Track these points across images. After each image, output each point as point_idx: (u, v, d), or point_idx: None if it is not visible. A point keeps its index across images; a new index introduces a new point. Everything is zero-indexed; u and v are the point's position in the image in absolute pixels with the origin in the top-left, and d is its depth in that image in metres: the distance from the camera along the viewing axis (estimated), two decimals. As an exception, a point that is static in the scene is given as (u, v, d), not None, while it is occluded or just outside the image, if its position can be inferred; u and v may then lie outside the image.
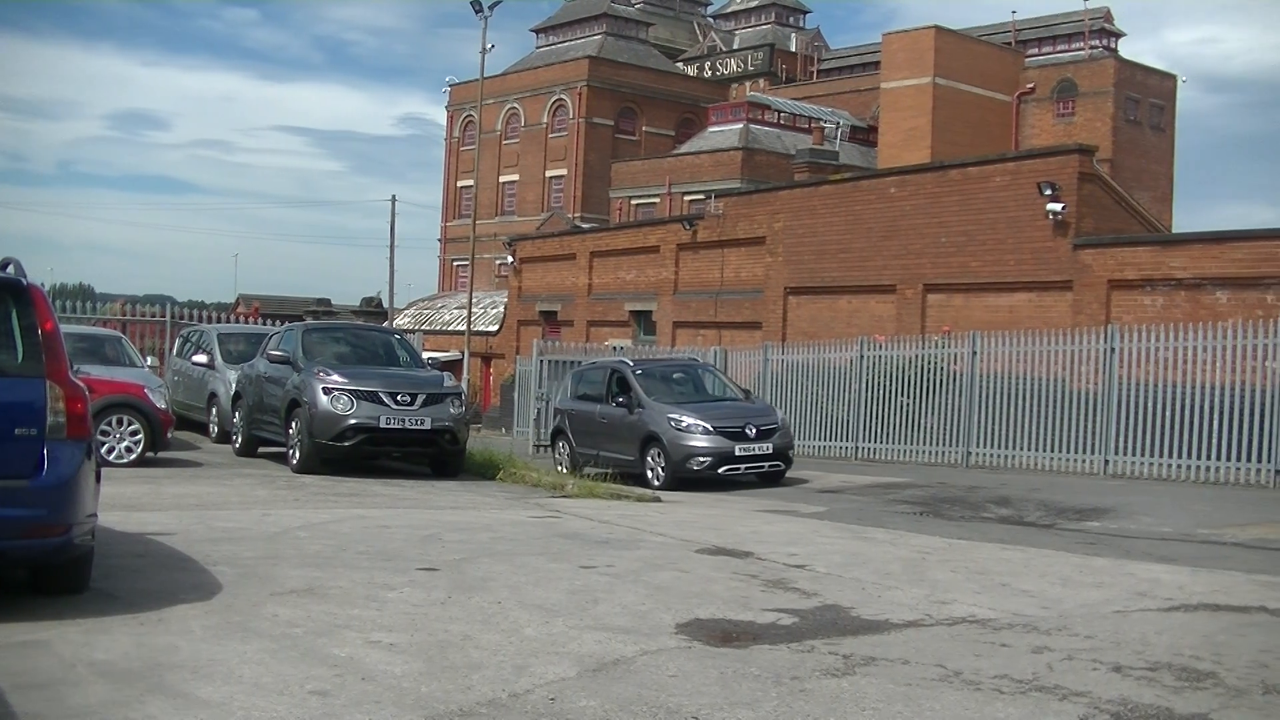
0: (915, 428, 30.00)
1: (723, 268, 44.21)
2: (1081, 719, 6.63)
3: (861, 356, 31.60)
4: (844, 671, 7.60)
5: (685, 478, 23.09)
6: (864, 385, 31.38)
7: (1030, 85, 69.54)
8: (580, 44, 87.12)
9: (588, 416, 26.19)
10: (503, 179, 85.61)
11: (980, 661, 7.87)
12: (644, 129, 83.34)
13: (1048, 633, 8.82)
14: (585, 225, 64.94)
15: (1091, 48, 72.88)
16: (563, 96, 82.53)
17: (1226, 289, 28.99)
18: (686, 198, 68.67)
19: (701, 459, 23.08)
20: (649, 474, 23.59)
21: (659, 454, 23.55)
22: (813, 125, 70.16)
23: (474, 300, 59.22)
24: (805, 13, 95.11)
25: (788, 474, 24.17)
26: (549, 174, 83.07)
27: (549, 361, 34.48)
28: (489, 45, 56.43)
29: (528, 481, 21.48)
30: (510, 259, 57.07)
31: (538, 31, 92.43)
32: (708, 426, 23.35)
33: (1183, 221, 74.27)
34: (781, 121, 74.34)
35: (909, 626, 9.03)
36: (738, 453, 23.22)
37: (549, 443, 28.95)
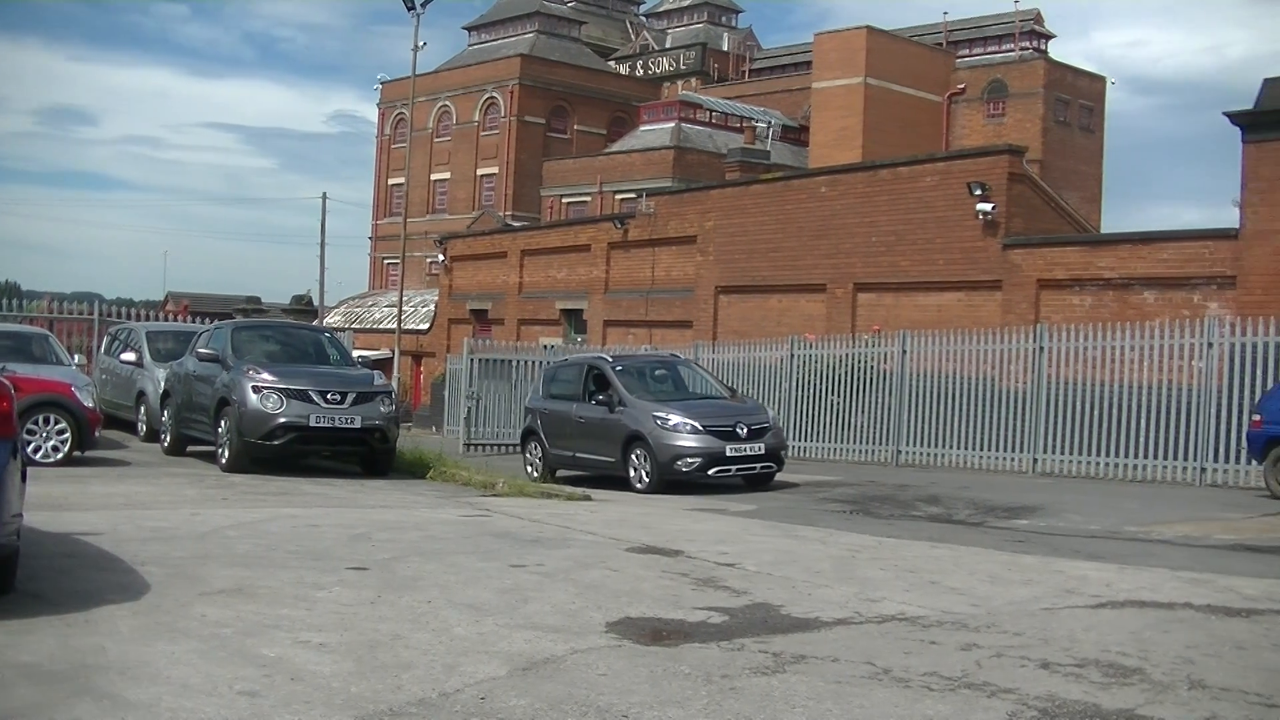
0: (845, 426, 30.12)
1: (654, 267, 44.23)
2: (1010, 715, 6.66)
3: (792, 355, 31.69)
4: (774, 669, 7.61)
5: (673, 480, 21.91)
6: (794, 384, 31.47)
7: (961, 86, 69.86)
8: (512, 42, 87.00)
9: (562, 416, 24.70)
10: (434, 177, 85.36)
11: (910, 659, 7.89)
12: (576, 127, 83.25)
13: (976, 630, 8.86)
14: (516, 224, 64.81)
15: (1022, 49, 73.28)
16: (495, 95, 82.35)
17: (1154, 289, 29.21)
18: (618, 196, 68.68)
19: (691, 460, 21.83)
20: (632, 476, 22.46)
21: (644, 455, 22.29)
22: (744, 125, 70.23)
23: (405, 298, 59.05)
24: (737, 12, 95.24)
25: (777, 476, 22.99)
26: (480, 172, 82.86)
27: (480, 360, 34.40)
28: (421, 43, 56.18)
29: (458, 480, 21.42)
30: (441, 257, 56.93)
31: (470, 29, 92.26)
32: (697, 425, 22.08)
33: (1111, 222, 74.75)
34: (713, 121, 74.41)
35: (839, 624, 9.05)
36: (729, 453, 21.96)
37: (518, 444, 27.31)
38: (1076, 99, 70.86)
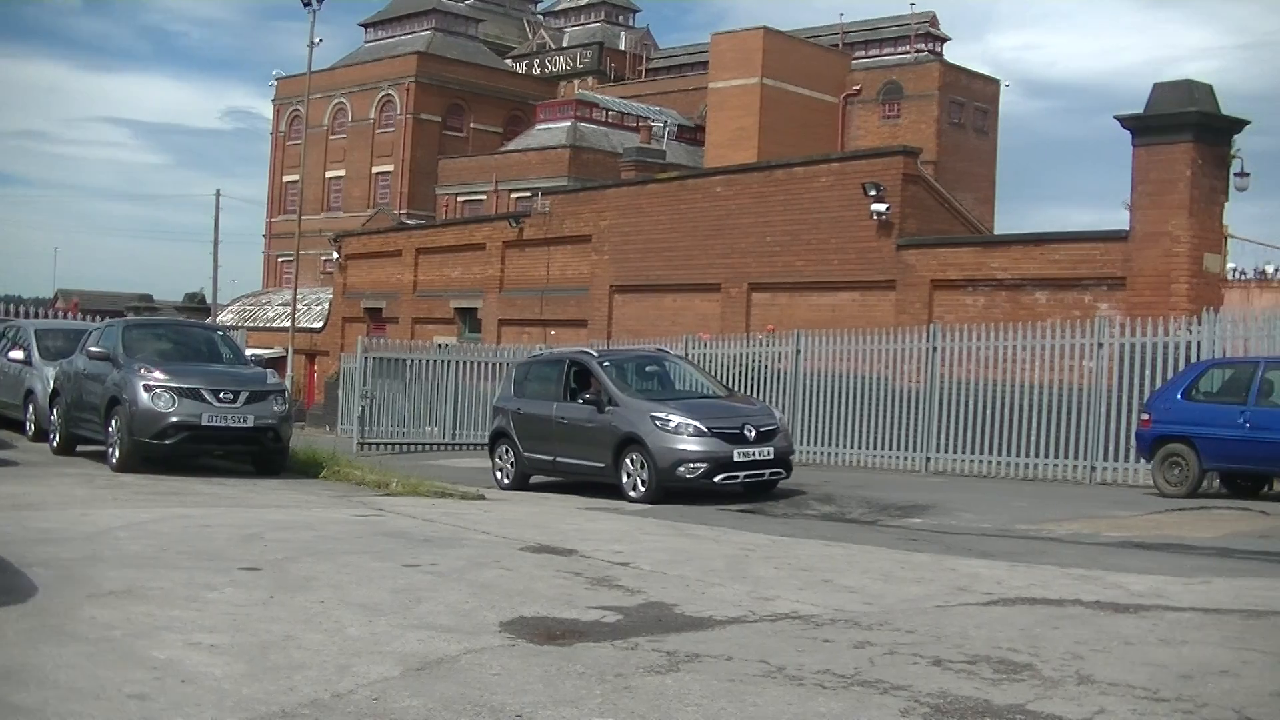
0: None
1: (549, 265, 44.17)
2: (902, 712, 6.69)
3: (686, 355, 31.68)
4: (668, 668, 7.61)
5: (673, 488, 19.99)
6: (689, 383, 31.47)
7: (857, 87, 70.32)
8: (409, 39, 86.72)
9: (540, 417, 22.68)
10: (329, 174, 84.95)
11: (803, 657, 7.91)
12: (472, 126, 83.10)
13: (869, 628, 8.90)
14: (412, 222, 64.56)
15: (917, 51, 73.92)
16: (391, 92, 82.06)
17: (1045, 289, 29.47)
18: (514, 195, 68.62)
19: (695, 465, 19.91)
20: (625, 483, 20.53)
21: (640, 460, 20.30)
22: (640, 124, 70.35)
23: (299, 297, 58.71)
24: (635, 11, 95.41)
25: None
26: (376, 170, 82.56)
27: (374, 359, 34.26)
28: (317, 39, 55.96)
29: (352, 480, 21.23)
30: (336, 255, 56.61)
31: (367, 26, 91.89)
32: (701, 427, 20.09)
33: (1004, 223, 75.55)
34: (610, 120, 74.48)
35: (733, 623, 9.07)
36: (737, 458, 20.00)
37: (486, 447, 25.15)
38: (971, 101, 71.52)
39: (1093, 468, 24.32)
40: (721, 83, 67.08)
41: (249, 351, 28.37)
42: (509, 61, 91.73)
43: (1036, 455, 25.26)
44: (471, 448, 34.53)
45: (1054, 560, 12.79)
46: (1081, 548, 14.35)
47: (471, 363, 36.28)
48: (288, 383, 36.93)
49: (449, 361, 35.80)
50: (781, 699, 6.95)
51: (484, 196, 72.06)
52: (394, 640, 8.29)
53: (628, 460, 20.60)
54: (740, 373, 30.40)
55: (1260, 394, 20.31)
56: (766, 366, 30.13)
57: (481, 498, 18.96)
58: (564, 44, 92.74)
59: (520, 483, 23.06)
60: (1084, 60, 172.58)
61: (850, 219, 34.04)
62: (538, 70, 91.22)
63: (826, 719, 6.59)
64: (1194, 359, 23.24)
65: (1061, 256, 29.33)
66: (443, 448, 34.45)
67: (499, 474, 23.58)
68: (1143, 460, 22.49)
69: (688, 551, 13.12)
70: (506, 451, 23.45)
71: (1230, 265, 27.43)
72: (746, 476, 20.32)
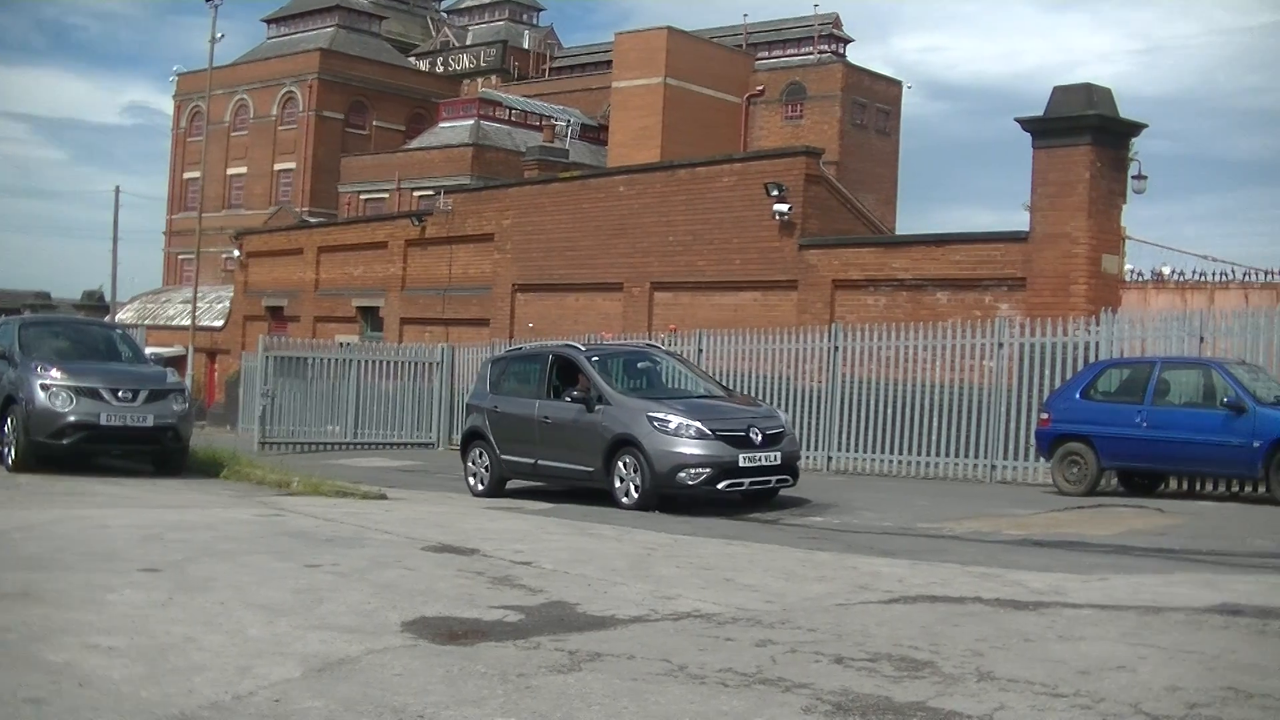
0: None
1: (451, 264, 44.01)
2: (804, 710, 6.70)
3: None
4: (570, 668, 7.60)
5: (672, 495, 18.75)
6: (592, 382, 31.45)
7: (760, 88, 70.55)
8: (312, 36, 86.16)
9: (521, 416, 21.15)
10: (230, 172, 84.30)
11: (705, 656, 7.92)
12: (375, 123, 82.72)
13: (771, 626, 8.92)
14: (314, 220, 64.20)
15: (820, 52, 74.19)
16: (293, 89, 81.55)
17: (947, 290, 29.64)
18: (416, 194, 68.38)
19: (697, 471, 18.41)
20: (618, 489, 19.08)
21: (635, 464, 18.81)
22: (544, 123, 70.31)
23: (199, 295, 58.33)
24: (539, 10, 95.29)
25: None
26: (278, 167, 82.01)
27: (275, 358, 34.03)
28: (219, 34, 55.62)
29: (252, 479, 21.08)
30: (237, 253, 56.16)
31: (269, 22, 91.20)
32: (703, 429, 18.61)
33: (906, 224, 76.08)
34: (513, 119, 74.35)
35: (635, 622, 9.06)
36: (742, 463, 18.53)
37: (459, 449, 23.69)
38: (873, 102, 71.94)
39: (993, 466, 24.54)
40: (625, 82, 67.14)
41: (149, 350, 28.08)
42: (412, 59, 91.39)
43: (938, 454, 25.47)
44: (374, 447, 34.44)
45: (955, 558, 12.88)
46: (982, 546, 14.46)
47: (373, 362, 36.14)
48: (188, 381, 36.66)
49: (351, 360, 35.64)
50: (684, 698, 6.95)
51: (386, 195, 71.75)
52: (295, 641, 8.23)
53: (620, 464, 19.07)
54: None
55: (1157, 394, 20.57)
56: (670, 366, 30.14)
57: (383, 497, 18.87)
58: (468, 42, 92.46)
59: (497, 488, 21.48)
60: (986, 63, 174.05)
61: (752, 219, 34.10)
62: (441, 68, 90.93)
63: (729, 717, 6.59)
64: (1092, 359, 23.49)
65: (962, 257, 29.51)
66: (345, 447, 34.28)
67: (472, 479, 21.96)
68: (1042, 459, 22.73)
69: (589, 550, 13.11)
70: (481, 454, 21.84)
71: (1128, 267, 27.69)
72: (751, 484, 18.88)
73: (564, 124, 71.74)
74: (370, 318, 48.21)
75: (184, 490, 18.99)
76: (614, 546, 13.54)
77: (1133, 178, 28.39)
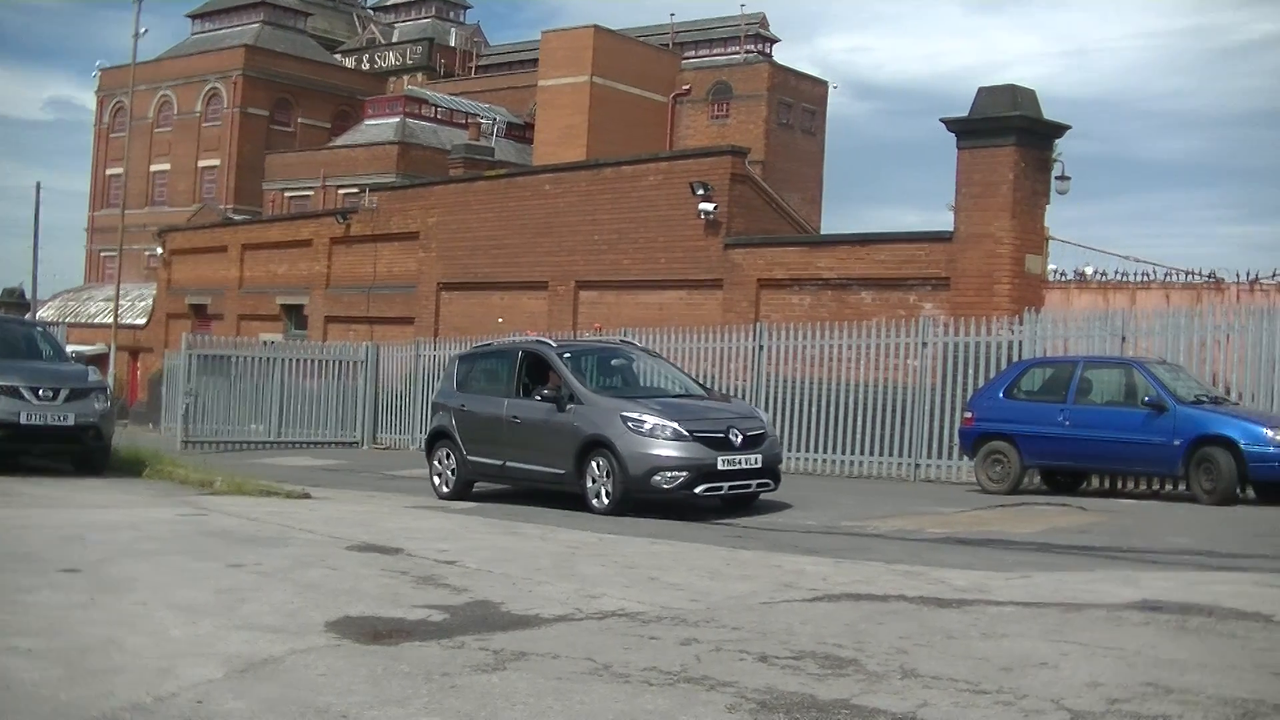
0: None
1: (376, 262, 43.83)
2: (729, 708, 6.71)
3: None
4: (494, 667, 7.58)
5: (646, 499, 17.89)
6: (518, 381, 31.44)
7: (686, 87, 70.71)
8: (237, 32, 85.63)
9: (487, 416, 20.41)
10: (154, 168, 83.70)
11: (630, 654, 7.92)
12: (300, 120, 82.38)
13: (696, 625, 8.92)
14: (238, 217, 63.96)
15: (747, 52, 74.39)
16: (218, 85, 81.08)
17: (871, 289, 29.74)
18: (341, 191, 68.14)
19: (673, 474, 17.58)
20: (590, 490, 18.28)
21: (607, 466, 18.01)
22: (470, 121, 70.28)
23: (122, 292, 57.79)
24: (465, 8, 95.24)
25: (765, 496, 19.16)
26: (202, 164, 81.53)
27: (199, 356, 33.83)
28: (142, 29, 55.12)
29: (175, 478, 20.93)
30: (160, 250, 55.78)
31: (194, 17, 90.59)
32: (680, 429, 17.77)
33: (831, 223, 76.34)
34: (439, 116, 74.21)
35: (559, 621, 9.05)
36: (721, 466, 17.74)
37: (424, 449, 22.66)
38: (799, 102, 72.22)
39: (917, 465, 24.66)
40: (551, 81, 67.14)
41: (70, 348, 27.88)
42: (338, 56, 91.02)
43: (862, 453, 25.59)
44: (298, 446, 34.29)
45: (879, 556, 12.92)
46: (906, 544, 14.52)
47: (298, 360, 35.99)
48: (110, 380, 36.32)
49: (275, 359, 35.48)
50: (608, 696, 6.94)
51: (311, 192, 71.49)
52: (218, 642, 8.18)
53: (593, 465, 18.27)
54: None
55: (1079, 393, 20.74)
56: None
57: (307, 496, 18.75)
58: (394, 39, 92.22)
59: (463, 490, 20.71)
60: (912, 63, 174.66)
61: (678, 218, 34.13)
62: (367, 65, 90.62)
63: (654, 716, 6.59)
64: (1015, 358, 23.65)
65: (887, 257, 29.62)
66: (269, 446, 34.12)
67: (437, 479, 21.12)
68: (966, 457, 22.86)
69: (514, 549, 13.09)
70: (447, 455, 20.95)
71: (1051, 266, 27.88)
72: (731, 488, 18.08)
73: (490, 122, 71.69)
74: (295, 316, 47.97)
75: (106, 490, 18.84)
76: (538, 545, 13.52)
77: (1056, 178, 28.55)
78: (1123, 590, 10.49)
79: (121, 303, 57.31)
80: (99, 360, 48.35)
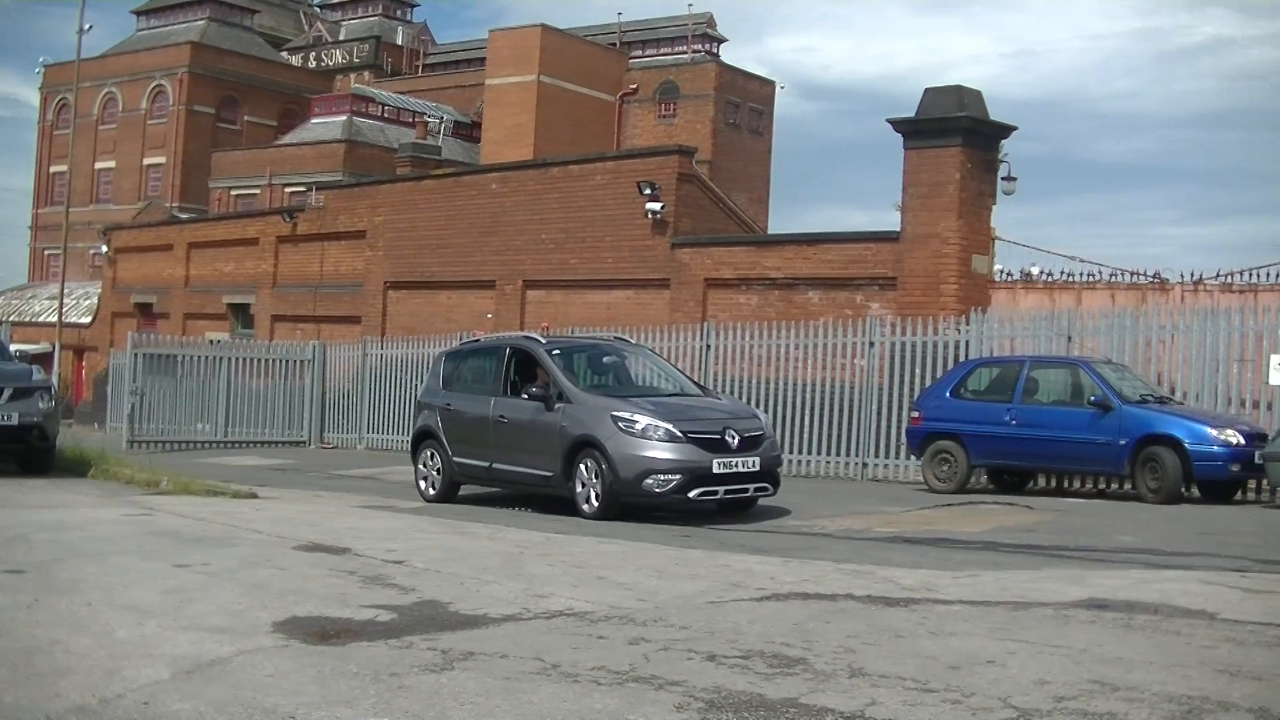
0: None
1: (322, 261, 43.74)
2: (677, 707, 6.70)
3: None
4: (443, 667, 7.55)
5: (636, 504, 17.16)
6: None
7: (633, 86, 70.73)
8: (183, 29, 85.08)
9: (474, 415, 19.62)
10: (99, 166, 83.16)
11: (578, 654, 7.90)
12: (246, 118, 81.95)
13: (644, 624, 8.91)
14: (184, 215, 63.71)
15: (694, 52, 74.40)
16: (163, 82, 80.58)
17: (818, 289, 29.81)
18: (288, 190, 67.85)
19: (666, 477, 16.81)
20: (579, 494, 17.56)
21: (596, 468, 17.24)
22: (417, 120, 70.15)
23: (66, 291, 57.48)
24: (412, 6, 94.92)
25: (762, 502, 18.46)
26: (147, 162, 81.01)
27: (144, 355, 33.65)
28: (87, 25, 54.65)
29: (121, 478, 20.77)
30: (105, 249, 55.53)
31: (139, 14, 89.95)
32: (673, 430, 16.99)
33: (778, 223, 76.58)
34: (385, 115, 74.05)
35: (507, 620, 9.03)
36: (716, 469, 16.95)
37: (410, 450, 21.69)
38: (746, 102, 72.32)
39: (864, 464, 24.75)
40: (498, 80, 67.07)
41: (14, 347, 27.70)
42: (284, 54, 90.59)
43: (809, 452, 25.66)
44: (245, 445, 34.17)
45: (827, 556, 12.94)
46: (853, 543, 14.56)
47: (244, 359, 35.88)
48: (54, 379, 36.12)
49: (221, 358, 35.37)
50: (557, 696, 6.93)
51: (258, 191, 71.21)
52: (164, 643, 8.12)
53: (582, 467, 17.51)
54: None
55: (1025, 392, 20.86)
56: (542, 363, 30.15)
57: (254, 496, 18.65)
58: (340, 37, 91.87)
59: (448, 493, 19.99)
60: (859, 64, 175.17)
61: (625, 217, 34.16)
62: (313, 63, 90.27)
63: (602, 715, 6.58)
64: (962, 358, 23.76)
65: (834, 257, 29.70)
66: (215, 445, 34.00)
67: (423, 482, 20.39)
68: (913, 457, 22.97)
69: (462, 549, 13.05)
70: (433, 456, 20.21)
71: (997, 266, 28.00)
72: (726, 492, 17.27)
73: (437, 121, 71.55)
74: (241, 315, 47.82)
75: (50, 490, 18.71)
76: (486, 545, 13.49)
77: (1002, 179, 28.72)
78: (1069, 589, 10.54)
79: (66, 301, 56.99)
80: (43, 359, 48.20)
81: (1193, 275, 25.49)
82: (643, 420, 17.05)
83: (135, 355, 33.42)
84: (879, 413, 24.72)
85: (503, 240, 37.46)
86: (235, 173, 73.78)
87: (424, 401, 21.26)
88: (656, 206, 33.12)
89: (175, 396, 34.16)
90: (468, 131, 73.69)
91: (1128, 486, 20.43)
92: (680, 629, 8.76)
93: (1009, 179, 29.10)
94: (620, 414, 17.22)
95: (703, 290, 32.27)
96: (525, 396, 18.53)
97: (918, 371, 24.45)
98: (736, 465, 17.10)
